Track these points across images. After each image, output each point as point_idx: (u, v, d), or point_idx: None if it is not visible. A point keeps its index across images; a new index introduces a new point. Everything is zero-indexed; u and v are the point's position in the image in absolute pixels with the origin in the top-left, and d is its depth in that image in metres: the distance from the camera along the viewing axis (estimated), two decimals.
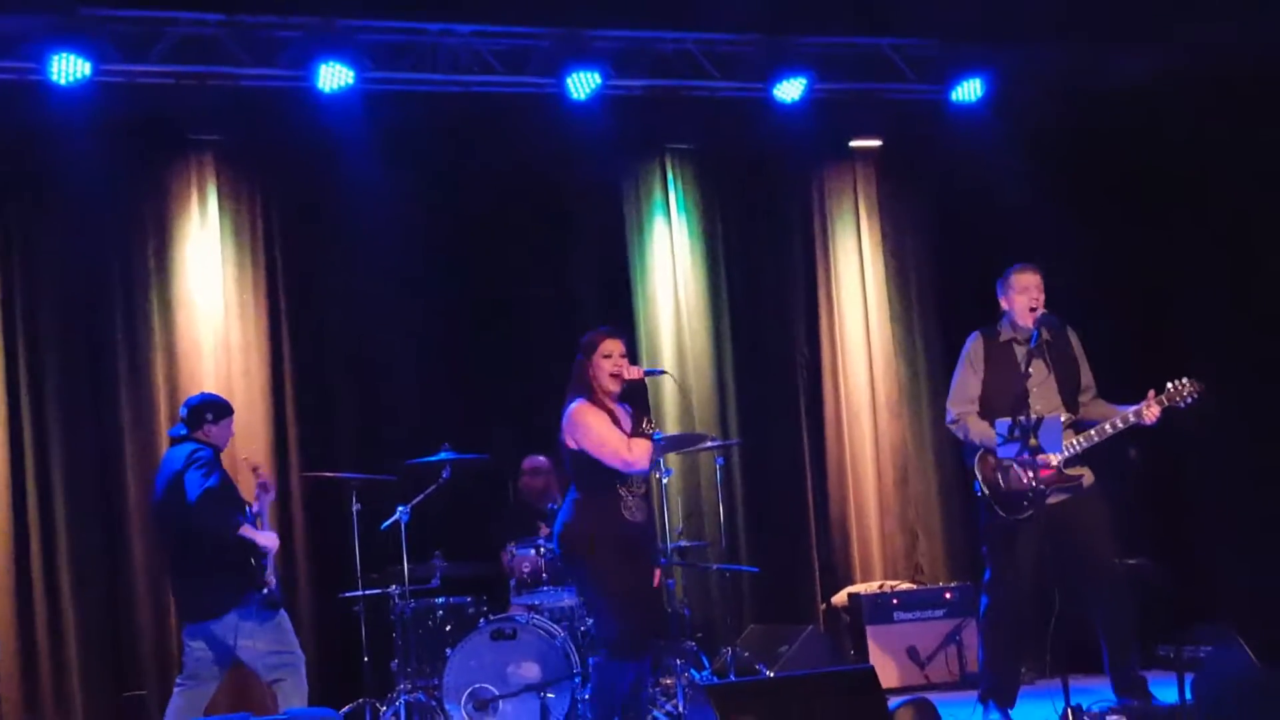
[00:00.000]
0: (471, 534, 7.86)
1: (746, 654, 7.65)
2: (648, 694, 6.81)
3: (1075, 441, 6.28)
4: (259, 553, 6.19)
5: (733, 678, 7.29)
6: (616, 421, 5.76)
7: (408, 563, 7.23)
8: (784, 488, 8.92)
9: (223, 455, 6.41)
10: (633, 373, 5.87)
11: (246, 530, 6.17)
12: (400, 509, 7.24)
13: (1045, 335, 6.42)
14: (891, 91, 8.71)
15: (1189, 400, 6.21)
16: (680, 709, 6.87)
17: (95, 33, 7.25)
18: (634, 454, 5.71)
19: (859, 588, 8.53)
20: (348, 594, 7.27)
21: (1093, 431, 6.30)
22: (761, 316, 9.06)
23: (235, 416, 7.33)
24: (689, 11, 7.91)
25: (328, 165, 8.09)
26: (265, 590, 6.19)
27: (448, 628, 7.21)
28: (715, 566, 8.23)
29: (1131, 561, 6.75)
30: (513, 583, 7.43)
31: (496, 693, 6.79)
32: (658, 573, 6.06)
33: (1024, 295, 6.43)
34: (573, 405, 5.82)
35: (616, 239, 8.83)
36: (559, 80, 8.02)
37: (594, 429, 5.73)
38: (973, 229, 8.87)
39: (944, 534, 9.02)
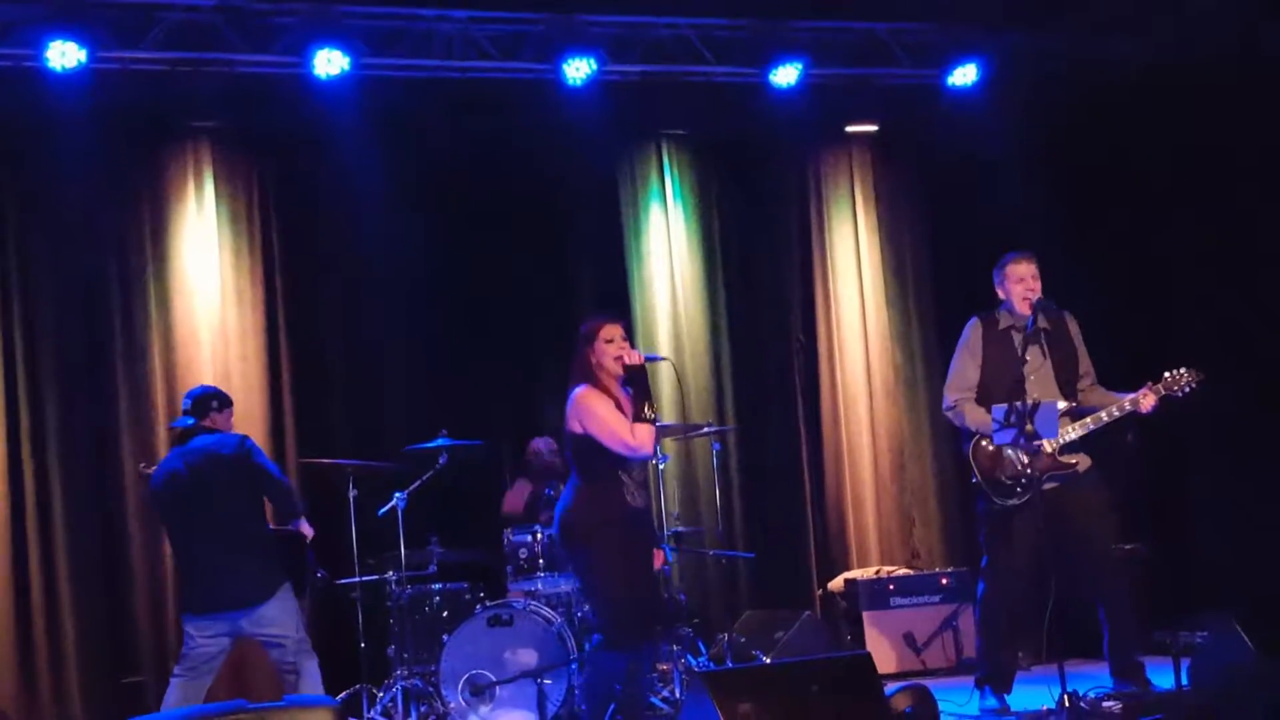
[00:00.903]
0: (469, 520, 7.86)
1: (743, 640, 7.65)
2: (646, 681, 6.82)
3: (1071, 429, 6.30)
4: (306, 546, 6.28)
5: (729, 664, 7.30)
6: (619, 407, 5.77)
7: (405, 549, 7.24)
8: (780, 473, 8.93)
9: None
10: (634, 357, 5.89)
11: (304, 526, 6.31)
12: (397, 495, 7.24)
13: (1043, 322, 6.43)
14: (887, 76, 8.70)
15: (1187, 389, 6.21)
16: (677, 695, 6.88)
17: (91, 19, 7.22)
18: (638, 438, 5.71)
19: (855, 573, 8.54)
20: (345, 580, 7.28)
21: (1089, 419, 6.31)
22: (758, 302, 9.06)
23: (234, 401, 7.35)
24: None
25: (324, 151, 8.08)
26: (320, 574, 6.32)
27: (444, 614, 7.21)
28: (712, 553, 8.25)
29: (1128, 547, 6.77)
30: (510, 569, 7.44)
31: (493, 679, 6.80)
32: (658, 554, 6.07)
33: (1020, 284, 6.44)
34: (578, 390, 5.82)
35: (613, 225, 8.82)
36: (554, 66, 8.01)
37: (600, 414, 5.75)
38: (969, 213, 8.87)
39: (940, 519, 9.03)
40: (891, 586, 8.28)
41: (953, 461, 8.80)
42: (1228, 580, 7.75)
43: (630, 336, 8.54)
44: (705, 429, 7.85)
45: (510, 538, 7.38)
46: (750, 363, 8.99)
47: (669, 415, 8.39)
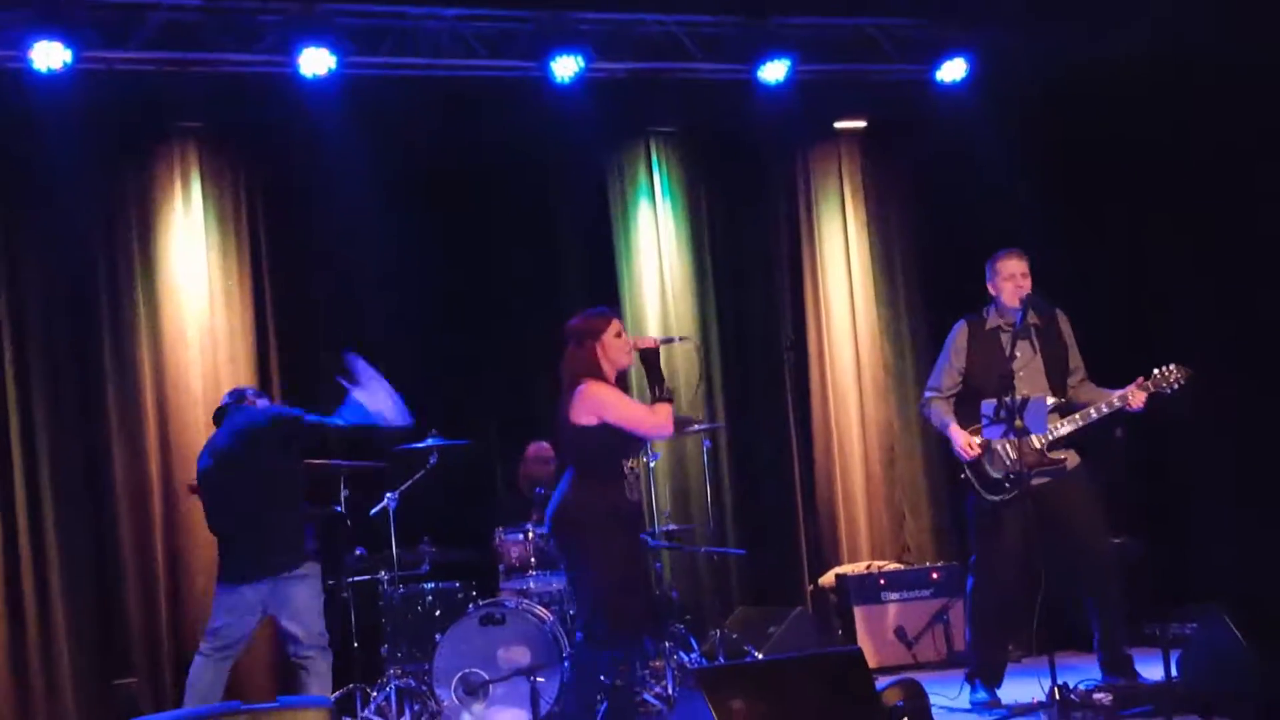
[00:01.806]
0: (460, 520, 7.86)
1: (735, 636, 7.67)
2: (636, 676, 6.83)
3: (1060, 424, 6.32)
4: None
5: (721, 660, 7.32)
6: None
7: (396, 549, 7.24)
8: (771, 470, 8.94)
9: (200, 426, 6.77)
10: (647, 341, 5.98)
11: None
12: (388, 495, 7.24)
13: (1033, 319, 6.44)
14: (876, 72, 8.71)
15: (1175, 387, 6.23)
16: (669, 692, 6.89)
17: (76, 20, 7.21)
18: (662, 418, 5.80)
19: (846, 569, 8.55)
20: (336, 581, 7.27)
21: (1077, 415, 6.33)
22: (747, 299, 9.06)
23: None
24: None
25: (311, 150, 8.06)
26: (359, 551, 6.45)
27: (437, 613, 7.21)
28: (703, 549, 8.26)
29: (1117, 540, 6.79)
30: (501, 568, 7.44)
31: (486, 677, 6.81)
32: None
33: (1010, 281, 6.46)
34: (587, 384, 5.85)
35: (601, 222, 8.81)
36: (542, 63, 8.01)
37: (621, 401, 5.82)
38: (958, 209, 8.87)
39: (931, 514, 9.05)
40: (882, 581, 8.30)
41: (943, 457, 8.79)
42: (1217, 573, 7.77)
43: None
44: (696, 426, 7.85)
45: (502, 537, 7.39)
46: (740, 359, 8.99)
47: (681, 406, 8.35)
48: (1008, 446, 6.30)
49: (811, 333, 9.10)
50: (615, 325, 5.94)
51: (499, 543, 7.43)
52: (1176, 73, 7.99)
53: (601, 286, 8.64)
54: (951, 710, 6.35)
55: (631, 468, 5.89)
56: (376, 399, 6.27)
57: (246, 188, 8.19)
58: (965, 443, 6.40)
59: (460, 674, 6.79)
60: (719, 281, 8.99)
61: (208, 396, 7.90)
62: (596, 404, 5.81)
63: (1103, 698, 5.99)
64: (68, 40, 7.16)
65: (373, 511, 7.27)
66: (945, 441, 6.71)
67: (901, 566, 8.57)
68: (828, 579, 8.53)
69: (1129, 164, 8.48)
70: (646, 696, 6.93)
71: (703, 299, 8.95)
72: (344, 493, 7.24)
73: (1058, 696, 5.58)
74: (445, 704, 6.78)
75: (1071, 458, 6.41)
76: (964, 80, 8.62)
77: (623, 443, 5.84)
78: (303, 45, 7.53)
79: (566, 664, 5.99)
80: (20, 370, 7.58)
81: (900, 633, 8.16)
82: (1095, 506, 6.43)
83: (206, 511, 6.49)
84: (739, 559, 8.54)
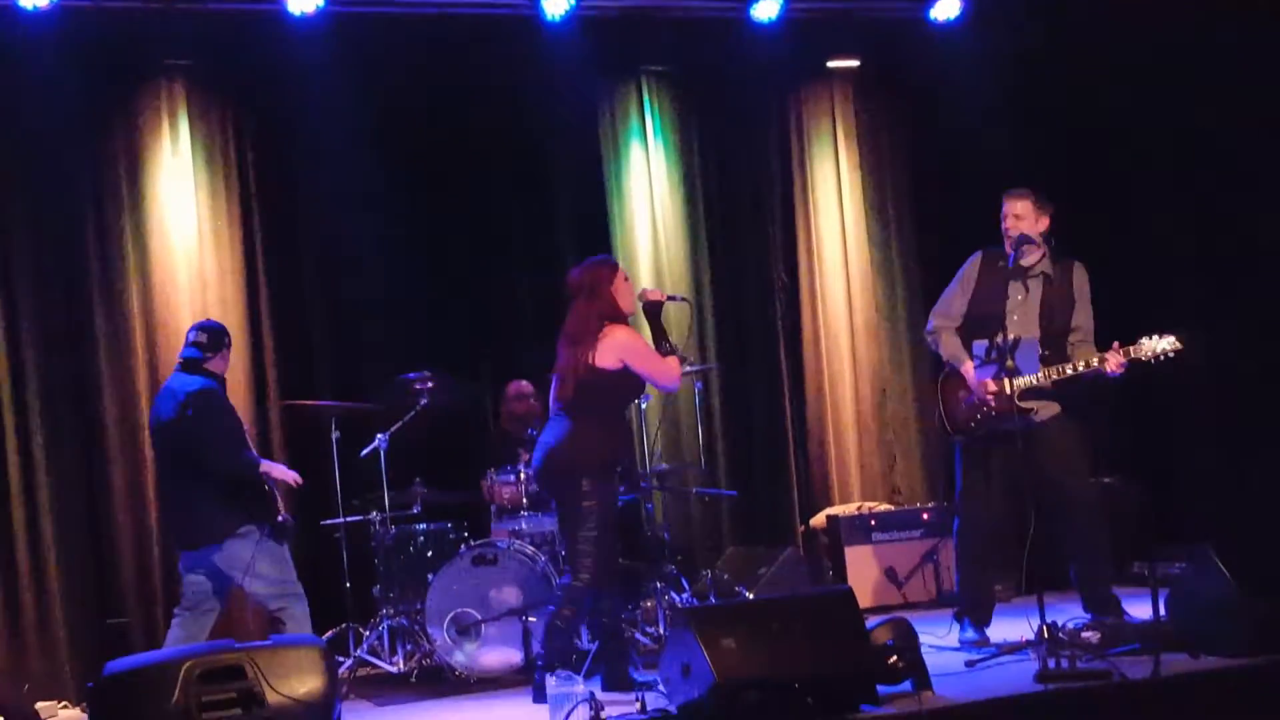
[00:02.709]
0: (451, 461, 7.87)
1: (726, 576, 7.70)
2: (628, 616, 6.88)
3: (1038, 376, 6.28)
4: (274, 486, 6.33)
5: (713, 600, 7.36)
6: None
7: (388, 489, 7.25)
8: (762, 411, 8.94)
9: None
10: (655, 294, 6.09)
11: (266, 466, 6.33)
12: (379, 436, 7.25)
13: (1045, 266, 6.40)
14: (869, 10, 8.67)
15: (1161, 359, 6.17)
16: (661, 632, 6.93)
17: None
18: (673, 370, 5.96)
19: (837, 509, 8.58)
20: (329, 521, 7.29)
21: (1053, 370, 6.29)
22: (739, 240, 9.03)
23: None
24: None
25: (300, 90, 7.98)
26: (280, 518, 6.30)
27: (429, 554, 7.24)
28: (695, 490, 8.29)
29: (1105, 480, 6.82)
30: (493, 509, 7.46)
31: (479, 617, 6.84)
32: None
33: (1003, 222, 6.44)
34: (615, 327, 5.88)
35: (593, 163, 8.76)
36: (532, 1, 7.93)
37: (646, 349, 5.95)
38: (951, 149, 8.85)
39: (921, 455, 9.07)
40: (873, 522, 8.33)
41: (934, 397, 8.81)
42: (1204, 511, 7.81)
43: None
44: (688, 368, 7.84)
45: (493, 478, 7.41)
46: (732, 301, 8.98)
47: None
48: (984, 389, 6.31)
49: (803, 273, 9.08)
50: (622, 272, 6.05)
51: (490, 484, 7.45)
52: (1170, 8, 7.94)
53: (593, 227, 8.61)
54: (941, 649, 6.38)
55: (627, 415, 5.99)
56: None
57: (235, 127, 8.12)
58: (981, 389, 6.36)
59: (452, 614, 6.83)
60: (711, 222, 8.96)
61: None
62: (624, 348, 5.86)
63: (1090, 636, 6.03)
64: None
65: (364, 453, 7.28)
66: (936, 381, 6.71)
67: (892, 507, 8.60)
68: (819, 520, 8.57)
69: (1122, 103, 8.44)
70: (639, 636, 6.98)
71: (694, 240, 8.92)
72: (335, 433, 7.24)
73: (1046, 635, 5.60)
74: (438, 644, 6.82)
75: (1046, 409, 6.37)
76: (957, 19, 8.57)
77: (631, 390, 5.92)
78: None
79: (552, 606, 6.03)
80: (8, 313, 7.54)
81: (890, 573, 8.21)
82: (1081, 449, 6.43)
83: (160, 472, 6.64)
84: (730, 500, 8.57)
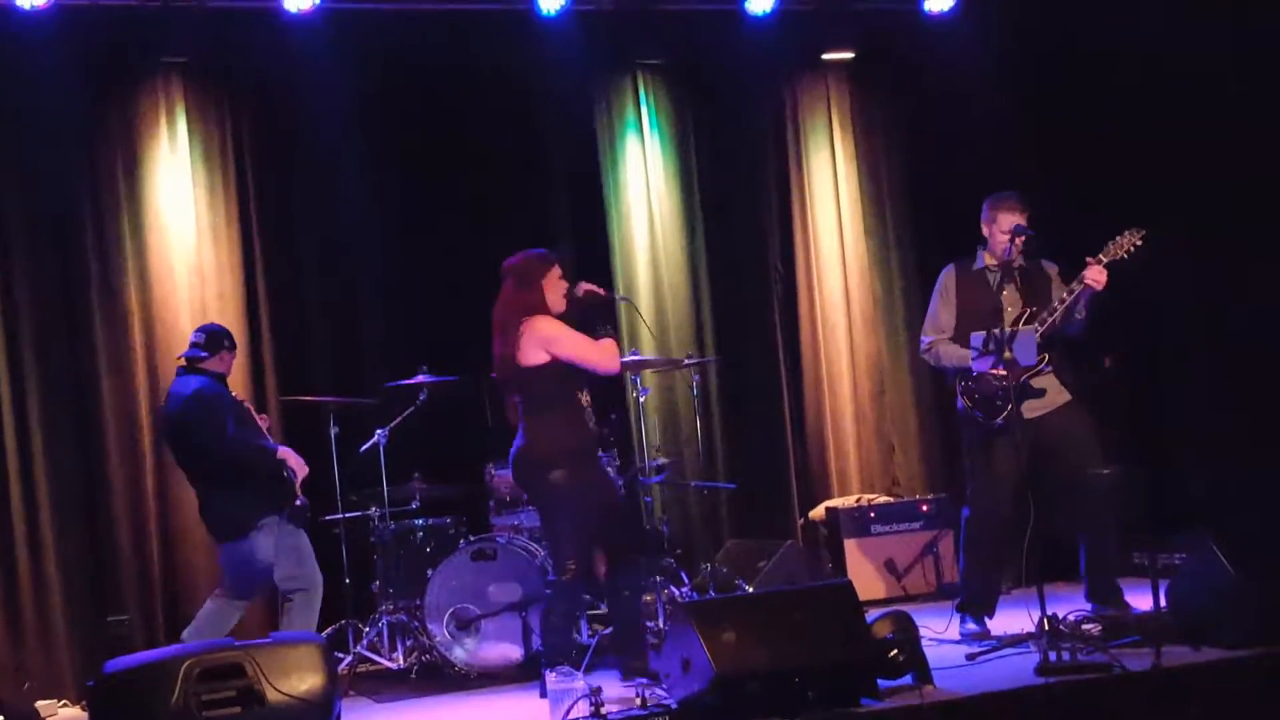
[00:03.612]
0: (451, 455, 7.87)
1: (725, 570, 7.71)
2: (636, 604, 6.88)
3: (1037, 328, 6.29)
4: (291, 473, 6.47)
5: (712, 594, 7.36)
6: None
7: (387, 485, 7.25)
8: (761, 404, 8.94)
9: None
10: (594, 289, 6.08)
11: (283, 453, 6.47)
12: (378, 432, 7.25)
13: (1020, 261, 6.41)
14: (864, 3, 8.66)
15: (1131, 252, 6.20)
16: (660, 626, 6.94)
17: None
18: (608, 353, 5.94)
19: (836, 501, 8.58)
20: (328, 517, 7.29)
21: (1044, 314, 6.30)
22: (736, 232, 9.02)
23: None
24: None
25: (296, 86, 7.99)
26: (298, 502, 6.46)
27: (428, 549, 7.24)
28: (693, 484, 8.28)
29: (1108, 470, 6.82)
30: (492, 503, 7.46)
31: (478, 612, 6.84)
32: None
33: (1006, 236, 6.41)
34: (538, 320, 5.87)
35: (589, 157, 8.75)
36: None
37: (569, 335, 5.90)
38: (946, 141, 8.83)
39: (920, 446, 9.06)
40: (872, 514, 8.33)
41: (932, 389, 8.83)
42: (1206, 502, 7.81)
43: (609, 270, 8.66)
44: (685, 361, 7.85)
45: (493, 472, 7.41)
46: (729, 293, 8.97)
47: (648, 347, 8.39)
48: (995, 372, 6.32)
49: (800, 265, 9.08)
50: (558, 269, 6.03)
51: (490, 478, 7.45)
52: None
53: (589, 221, 8.61)
54: (941, 642, 6.38)
55: (585, 400, 5.95)
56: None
57: (233, 123, 8.11)
58: (994, 371, 6.35)
59: (452, 609, 6.83)
60: (707, 215, 8.95)
61: None
62: (545, 339, 5.84)
63: (1092, 628, 6.04)
64: None
65: (363, 448, 7.28)
66: (935, 373, 6.71)
67: (891, 499, 8.61)
68: (818, 512, 8.57)
69: (1119, 96, 8.43)
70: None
71: (691, 233, 8.92)
72: (333, 429, 7.24)
73: (1047, 627, 5.61)
74: (437, 639, 6.82)
75: (1061, 395, 6.41)
76: (952, 10, 8.56)
77: (574, 375, 5.90)
78: None
79: (544, 603, 6.06)
80: (7, 310, 7.54)
81: (890, 565, 8.21)
82: (1087, 439, 6.45)
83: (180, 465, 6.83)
84: (729, 493, 8.57)
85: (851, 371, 9.08)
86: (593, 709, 5.19)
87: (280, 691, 4.93)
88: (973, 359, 6.35)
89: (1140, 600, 6.29)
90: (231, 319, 7.91)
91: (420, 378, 7.29)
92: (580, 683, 5.34)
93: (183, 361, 6.63)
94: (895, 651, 5.42)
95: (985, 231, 6.55)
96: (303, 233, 8.25)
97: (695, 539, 8.52)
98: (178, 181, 7.97)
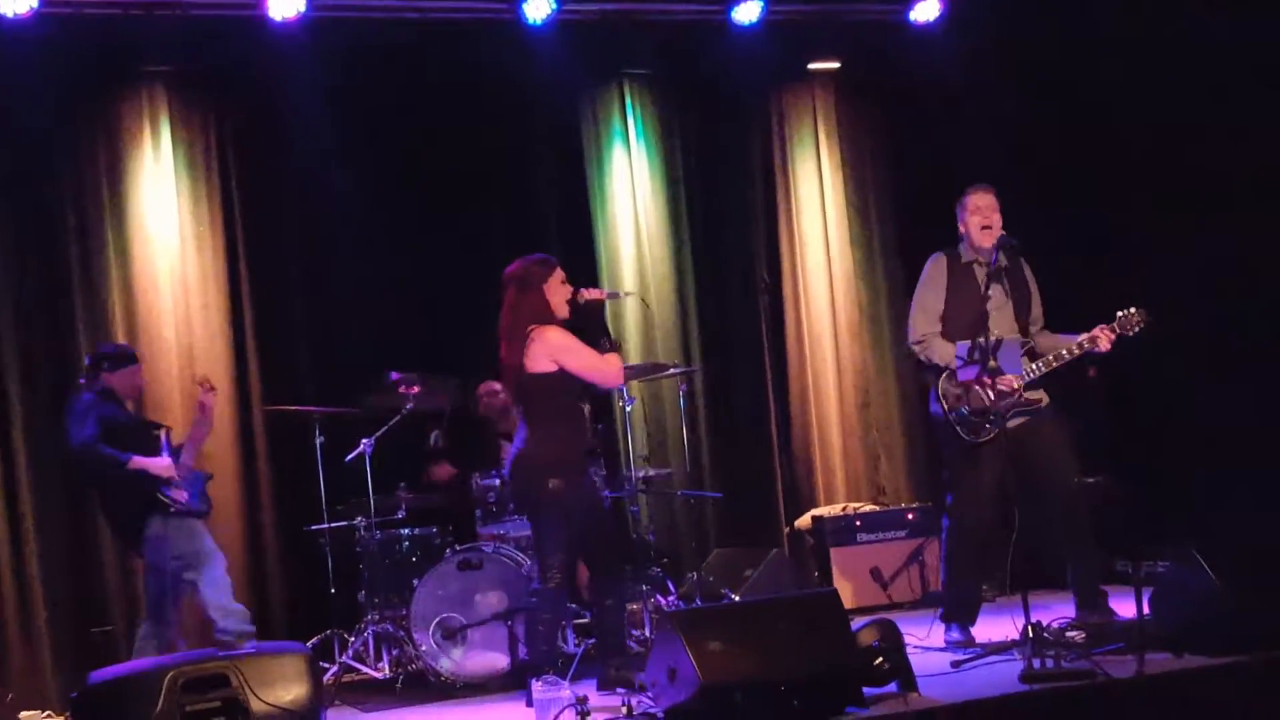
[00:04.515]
0: (435, 464, 7.85)
1: (711, 579, 7.71)
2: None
3: (1034, 366, 6.33)
4: (155, 479, 6.63)
5: (699, 603, 7.35)
6: None
7: (373, 495, 7.24)
8: (747, 413, 8.95)
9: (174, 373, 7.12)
10: (595, 293, 5.98)
11: (137, 462, 6.62)
12: (364, 441, 7.23)
13: (1003, 260, 6.44)
14: (849, 12, 8.69)
15: (1137, 329, 6.28)
16: (647, 635, 6.93)
17: None
18: (614, 367, 5.94)
19: (822, 510, 8.59)
20: (313, 526, 7.28)
21: (1050, 356, 6.35)
22: (722, 242, 9.04)
23: (196, 348, 7.62)
24: None
25: (281, 95, 7.98)
26: (172, 510, 6.66)
27: (414, 558, 7.23)
28: (680, 493, 8.29)
29: (1091, 480, 6.83)
30: (478, 513, 7.45)
31: (464, 621, 6.83)
32: None
33: (976, 215, 6.48)
34: (545, 330, 5.87)
35: (576, 166, 8.77)
36: (514, 5, 7.94)
37: (579, 347, 5.90)
38: (932, 150, 8.86)
39: (905, 455, 9.09)
40: (858, 523, 8.34)
41: (917, 398, 8.84)
42: (1189, 510, 7.83)
43: (595, 277, 8.63)
44: (672, 370, 7.86)
45: (478, 482, 7.40)
46: (716, 302, 8.99)
47: (635, 356, 8.40)
48: (985, 387, 6.31)
49: (786, 275, 9.10)
50: (560, 273, 6.00)
51: (475, 488, 7.44)
52: (1152, 11, 7.95)
53: (576, 230, 8.62)
54: (926, 650, 6.39)
55: (587, 411, 5.98)
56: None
57: (217, 132, 8.11)
58: (990, 389, 6.35)
59: (438, 619, 6.81)
60: (694, 224, 8.97)
61: (181, 343, 7.88)
62: (555, 349, 5.84)
63: (1075, 635, 6.05)
64: None
65: (348, 458, 7.27)
66: (921, 382, 6.71)
67: (877, 508, 8.61)
68: (804, 521, 8.57)
69: (1103, 104, 8.45)
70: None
71: (678, 242, 8.93)
72: (319, 438, 7.22)
73: (1031, 635, 5.62)
74: (423, 649, 6.80)
75: (1045, 397, 6.45)
76: (937, 20, 8.60)
77: (579, 386, 5.91)
78: None
79: (531, 611, 6.06)
80: None
81: (876, 573, 8.21)
82: (1069, 445, 6.46)
83: None
84: (715, 502, 8.58)
85: (837, 380, 9.09)
86: (579, 717, 5.18)
87: (265, 702, 4.93)
88: (958, 366, 6.35)
89: (1124, 607, 6.30)
90: (216, 328, 7.91)
91: (401, 380, 7.26)
92: (566, 691, 5.34)
93: None
94: (880, 659, 5.42)
95: (961, 227, 6.58)
96: (287, 242, 8.24)
97: (682, 548, 8.52)
98: (162, 190, 7.96)
